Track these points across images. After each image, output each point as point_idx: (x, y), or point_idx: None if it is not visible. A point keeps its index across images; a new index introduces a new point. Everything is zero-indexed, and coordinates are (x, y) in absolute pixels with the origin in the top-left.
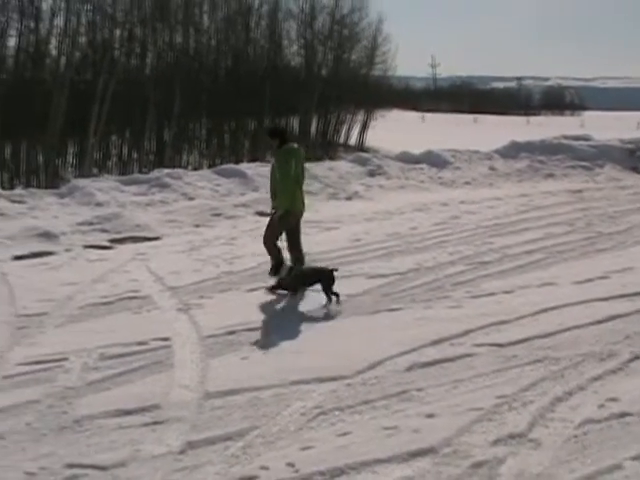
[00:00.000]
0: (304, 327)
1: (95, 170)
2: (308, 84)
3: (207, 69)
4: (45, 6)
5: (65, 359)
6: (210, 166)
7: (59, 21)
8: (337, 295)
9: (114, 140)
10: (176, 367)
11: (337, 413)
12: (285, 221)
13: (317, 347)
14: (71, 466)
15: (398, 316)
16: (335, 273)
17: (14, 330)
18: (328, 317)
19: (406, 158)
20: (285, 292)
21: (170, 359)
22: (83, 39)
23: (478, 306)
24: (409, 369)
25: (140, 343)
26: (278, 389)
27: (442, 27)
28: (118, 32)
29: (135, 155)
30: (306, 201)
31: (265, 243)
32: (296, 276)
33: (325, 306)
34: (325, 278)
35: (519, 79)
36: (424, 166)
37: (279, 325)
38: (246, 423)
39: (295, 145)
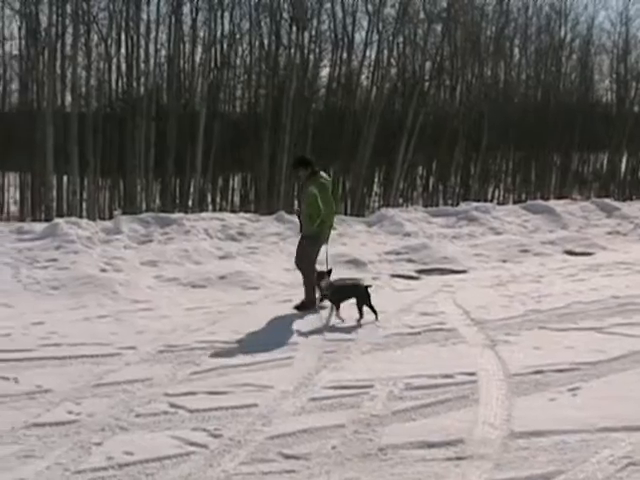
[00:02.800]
0: (612, 372)
1: (400, 200)
2: (619, 120)
3: (516, 103)
4: (358, 38)
5: (370, 386)
6: (515, 201)
7: (371, 53)
8: (375, 312)
9: (420, 171)
10: (481, 403)
11: None
12: (315, 246)
13: (626, 394)
14: None
15: None
16: (370, 289)
17: (322, 354)
18: (637, 363)
19: None
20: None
21: (475, 394)
22: (393, 71)
23: None
24: None
25: (446, 376)
26: (585, 435)
27: None
28: (428, 64)
29: (440, 187)
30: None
31: (298, 264)
32: (336, 290)
33: (358, 321)
34: (361, 294)
35: None
36: None
37: (586, 368)
38: (551, 467)
39: (325, 175)
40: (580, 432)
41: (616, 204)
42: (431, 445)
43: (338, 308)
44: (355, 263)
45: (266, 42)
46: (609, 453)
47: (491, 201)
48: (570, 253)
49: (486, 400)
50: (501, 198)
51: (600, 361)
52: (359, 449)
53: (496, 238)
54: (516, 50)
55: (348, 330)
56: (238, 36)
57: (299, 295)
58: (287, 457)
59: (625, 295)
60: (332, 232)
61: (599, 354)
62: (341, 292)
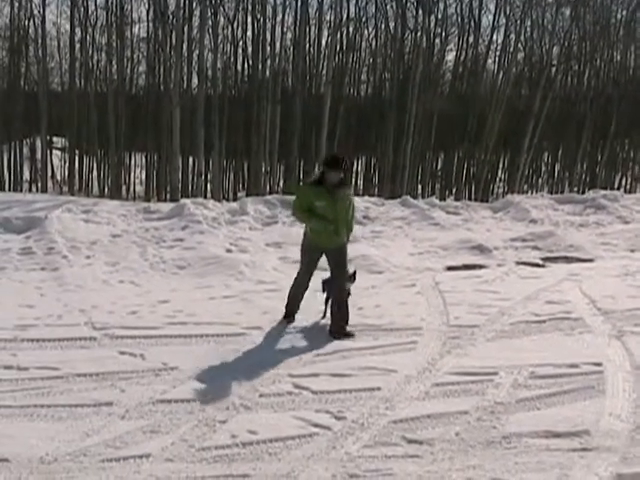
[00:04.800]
0: None
1: (525, 186)
2: None
3: None
4: (485, 21)
5: (495, 373)
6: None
7: (497, 37)
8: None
9: (545, 157)
10: (607, 394)
11: None
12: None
13: None
14: None
15: None
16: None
17: (446, 339)
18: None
19: None
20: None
21: (601, 385)
22: (520, 55)
23: None
24: None
25: (571, 365)
26: None
27: None
28: (556, 49)
29: (566, 174)
30: None
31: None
32: None
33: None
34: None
35: None
36: None
37: None
38: None
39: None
40: None
41: None
42: (556, 435)
43: None
44: (480, 249)
45: (392, 26)
46: None
47: (618, 189)
48: None
49: (612, 391)
50: (629, 187)
51: None
52: (483, 436)
53: (624, 227)
54: None
55: (473, 318)
56: (364, 20)
57: (423, 280)
58: (410, 442)
59: None
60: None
61: None
62: None
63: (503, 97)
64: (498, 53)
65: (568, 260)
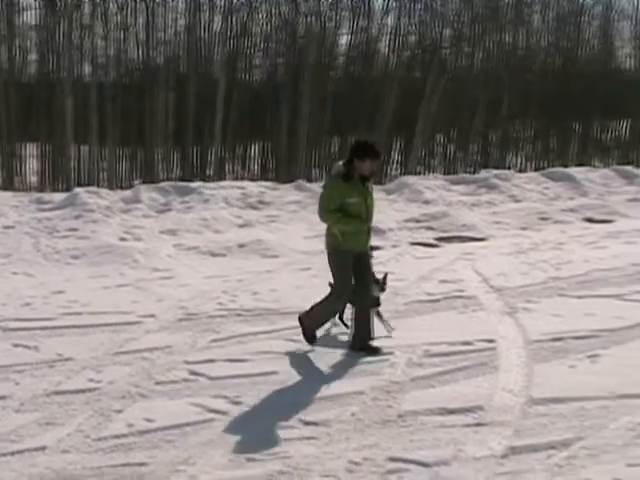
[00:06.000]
0: (632, 339)
1: (419, 168)
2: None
3: (536, 70)
4: (377, 5)
5: (390, 353)
6: (535, 169)
7: (390, 20)
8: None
9: (439, 139)
10: (501, 370)
11: None
12: None
13: None
14: (394, 460)
15: None
16: None
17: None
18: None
19: None
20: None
21: (495, 361)
22: (413, 38)
23: None
24: None
25: (465, 343)
26: (605, 401)
27: None
28: (447, 31)
29: (460, 154)
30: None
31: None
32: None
33: None
34: None
35: None
36: None
37: (606, 335)
38: (570, 433)
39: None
40: (599, 399)
41: (637, 171)
42: (450, 412)
43: None
44: (374, 231)
45: (284, 10)
46: (628, 420)
47: (510, 169)
48: (590, 220)
49: (505, 367)
50: (521, 166)
51: (620, 328)
52: (379, 415)
53: (516, 206)
54: (536, 16)
55: None
56: (256, 4)
57: (319, 264)
58: (307, 424)
59: None
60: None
61: (619, 321)
62: None
63: (396, 80)
64: (390, 36)
65: (461, 239)
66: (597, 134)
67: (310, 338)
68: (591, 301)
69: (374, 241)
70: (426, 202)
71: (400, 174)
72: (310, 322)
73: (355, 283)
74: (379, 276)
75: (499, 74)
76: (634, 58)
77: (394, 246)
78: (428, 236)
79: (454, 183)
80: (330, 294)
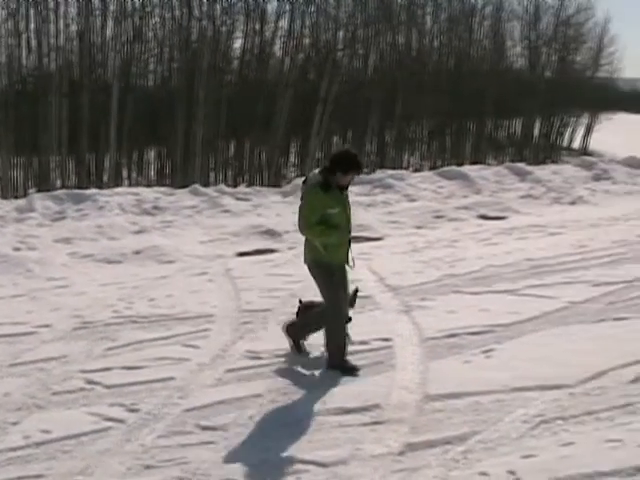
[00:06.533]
0: (525, 333)
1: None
2: (531, 86)
3: (429, 70)
4: (270, 8)
5: (287, 355)
6: (431, 168)
7: (284, 23)
8: None
9: (336, 140)
10: (397, 368)
11: (560, 422)
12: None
13: (539, 354)
14: (292, 461)
15: (624, 325)
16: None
17: (239, 325)
18: (549, 324)
19: (634, 163)
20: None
21: (391, 360)
22: (307, 41)
23: None
24: (635, 381)
25: (362, 342)
26: (499, 395)
27: None
28: (341, 33)
29: None
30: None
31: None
32: None
33: None
34: None
35: None
36: None
37: (500, 330)
38: (466, 428)
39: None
40: (494, 393)
41: (529, 168)
42: (348, 411)
43: None
44: (271, 234)
45: (178, 14)
46: (523, 412)
47: (406, 168)
48: (484, 217)
49: (402, 365)
50: (417, 165)
51: (513, 322)
52: (276, 418)
53: (411, 205)
54: (428, 18)
55: (264, 302)
56: (149, 9)
57: (215, 268)
58: (204, 429)
59: (538, 257)
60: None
61: (512, 316)
62: None
63: (291, 82)
64: (284, 39)
65: (357, 240)
66: (491, 132)
67: (298, 348)
68: (485, 297)
69: (270, 244)
70: None
71: (297, 176)
72: (296, 331)
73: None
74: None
75: (393, 75)
76: (525, 58)
77: (290, 248)
78: None
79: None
80: (326, 309)
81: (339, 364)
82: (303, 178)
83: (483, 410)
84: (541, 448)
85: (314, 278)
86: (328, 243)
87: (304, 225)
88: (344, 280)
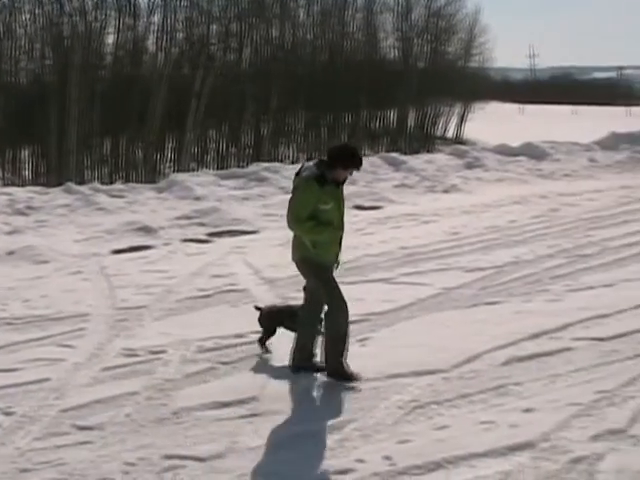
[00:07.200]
0: (400, 320)
1: (193, 164)
2: (405, 77)
3: (304, 63)
4: (142, 3)
5: (164, 352)
6: (308, 159)
7: (157, 18)
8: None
9: (212, 135)
10: (274, 360)
11: (434, 407)
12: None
13: (414, 340)
14: (170, 457)
15: (496, 309)
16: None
17: (114, 323)
18: (424, 310)
19: (504, 150)
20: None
21: (268, 352)
22: (180, 35)
23: (577, 300)
24: (507, 363)
25: (238, 336)
26: (375, 382)
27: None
28: (215, 27)
29: (233, 149)
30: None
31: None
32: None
33: None
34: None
35: (620, 69)
36: (523, 158)
37: (375, 318)
38: (344, 416)
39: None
40: (371, 380)
41: (403, 158)
42: (225, 405)
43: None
44: (146, 230)
45: (48, 10)
46: (398, 398)
47: (283, 161)
48: (359, 208)
49: (278, 356)
50: (294, 158)
51: (389, 311)
52: (153, 415)
53: (286, 197)
54: (301, 11)
55: (140, 299)
56: (19, 4)
57: (90, 267)
58: (81, 428)
59: (412, 245)
60: None
61: (388, 304)
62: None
63: (165, 77)
64: (158, 34)
65: (233, 234)
66: (366, 123)
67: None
68: (361, 286)
69: (145, 240)
70: (197, 198)
71: (174, 171)
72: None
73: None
74: None
75: (268, 68)
76: (397, 49)
77: (166, 244)
78: (199, 232)
79: (224, 178)
80: (330, 305)
81: (339, 370)
82: (296, 169)
83: (360, 398)
84: (416, 433)
85: (304, 276)
86: (319, 241)
87: (293, 219)
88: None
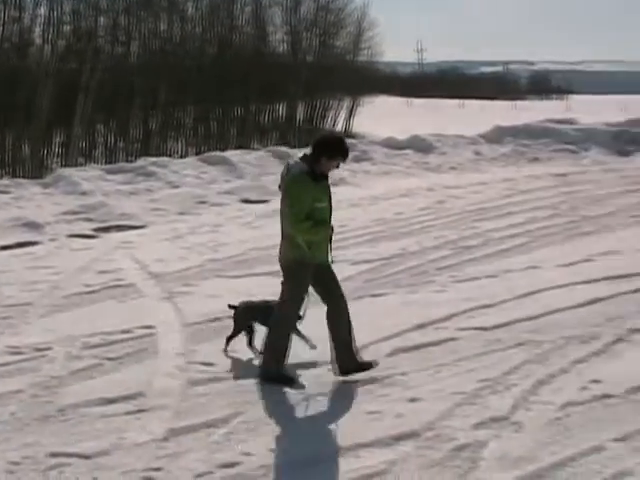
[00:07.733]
0: None
1: (81, 159)
2: (294, 70)
3: (192, 57)
4: None
5: (49, 348)
6: (197, 154)
7: (43, 10)
8: None
9: (100, 129)
10: (160, 355)
11: (320, 399)
12: None
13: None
14: (55, 455)
15: (382, 301)
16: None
17: None
18: (310, 304)
19: (392, 144)
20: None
21: (154, 347)
22: (67, 28)
23: (462, 290)
24: (392, 354)
25: (124, 331)
26: None
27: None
28: (102, 20)
29: (121, 144)
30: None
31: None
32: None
33: None
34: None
35: (506, 64)
36: (409, 151)
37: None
38: (230, 410)
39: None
40: (256, 375)
41: (290, 151)
42: (111, 401)
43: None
44: (31, 226)
45: None
46: (284, 391)
47: (172, 155)
48: (246, 201)
49: (164, 351)
50: (183, 152)
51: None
52: (38, 412)
53: (174, 191)
54: (189, 4)
55: (25, 296)
56: None
57: None
58: None
59: None
60: None
61: (274, 297)
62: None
63: (52, 71)
64: (44, 27)
65: (120, 229)
66: (256, 117)
67: (282, 378)
68: (247, 280)
69: (31, 236)
70: (83, 193)
71: (61, 167)
72: (269, 357)
73: (328, 299)
74: None
75: (156, 62)
76: (287, 43)
77: (52, 239)
78: (86, 227)
79: (111, 173)
80: (281, 308)
81: (275, 374)
82: (285, 170)
83: (246, 392)
84: (302, 425)
85: (287, 275)
86: (314, 241)
87: (293, 220)
88: (332, 280)
